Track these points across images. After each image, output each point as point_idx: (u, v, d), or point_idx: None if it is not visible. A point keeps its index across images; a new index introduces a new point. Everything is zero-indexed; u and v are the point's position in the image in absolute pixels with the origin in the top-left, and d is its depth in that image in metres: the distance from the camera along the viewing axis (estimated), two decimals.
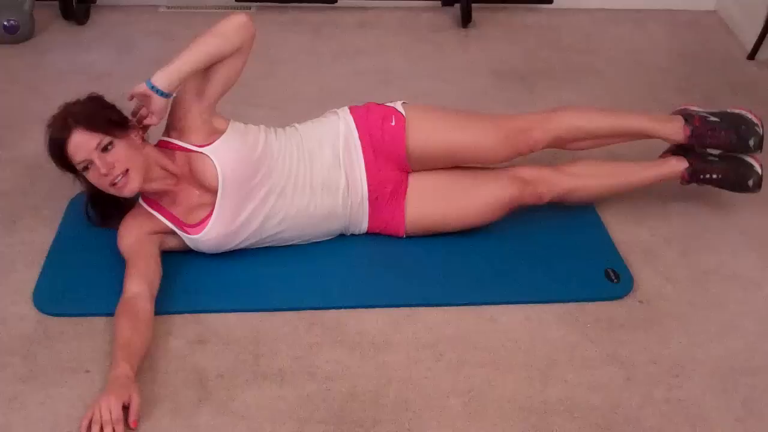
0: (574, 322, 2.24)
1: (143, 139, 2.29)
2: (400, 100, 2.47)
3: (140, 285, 2.18)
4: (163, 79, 2.21)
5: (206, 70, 2.27)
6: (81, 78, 3.35)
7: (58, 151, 2.19)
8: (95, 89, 3.19)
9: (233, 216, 2.28)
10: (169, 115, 2.32)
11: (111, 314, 2.20)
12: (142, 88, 2.22)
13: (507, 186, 2.39)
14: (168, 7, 3.90)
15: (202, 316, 2.24)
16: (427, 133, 2.38)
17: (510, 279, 2.34)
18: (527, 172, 2.45)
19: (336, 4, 3.87)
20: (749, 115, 2.47)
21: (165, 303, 2.23)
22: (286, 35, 3.66)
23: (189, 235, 2.31)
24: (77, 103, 2.26)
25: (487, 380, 2.08)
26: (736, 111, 2.48)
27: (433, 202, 2.40)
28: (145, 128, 2.31)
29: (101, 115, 2.21)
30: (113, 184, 2.19)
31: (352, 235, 2.45)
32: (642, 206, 2.66)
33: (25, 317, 2.23)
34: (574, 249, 2.45)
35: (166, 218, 2.33)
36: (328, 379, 2.08)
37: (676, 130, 2.45)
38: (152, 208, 2.35)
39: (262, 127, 2.40)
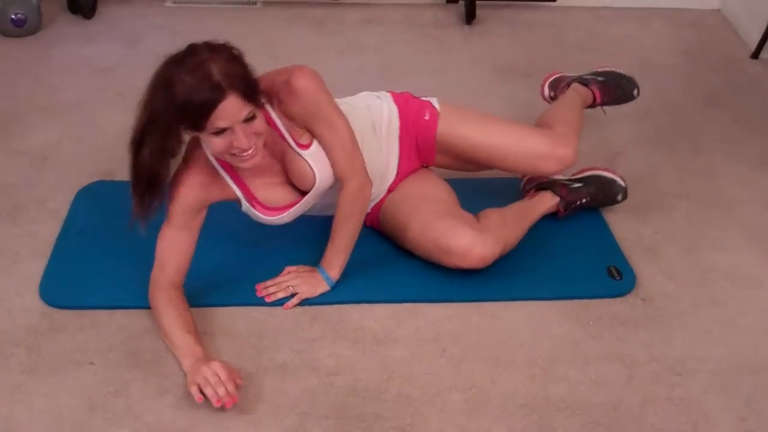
0: (576, 320, 2.24)
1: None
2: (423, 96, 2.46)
3: (179, 264, 2.16)
4: (337, 274, 2.28)
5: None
6: (87, 71, 3.37)
7: (197, 111, 1.92)
8: (101, 83, 3.28)
9: (307, 207, 2.29)
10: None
11: (116, 307, 2.22)
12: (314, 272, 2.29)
13: None
14: (175, 2, 3.91)
15: (207, 310, 2.24)
16: (457, 129, 2.37)
17: (512, 276, 2.33)
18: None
19: (340, 1, 3.87)
20: (610, 175, 2.57)
21: None
22: (291, 31, 3.67)
23: (259, 213, 2.23)
24: (221, 58, 1.95)
25: (489, 376, 2.09)
26: (598, 173, 2.58)
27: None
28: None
29: (254, 84, 2.00)
30: (240, 155, 2.02)
31: None
32: (644, 204, 2.66)
33: (31, 309, 2.25)
34: (577, 246, 2.45)
35: (240, 189, 2.21)
36: (331, 373, 2.09)
37: (551, 204, 2.52)
38: (229, 174, 2.19)
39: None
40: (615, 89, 2.69)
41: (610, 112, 2.82)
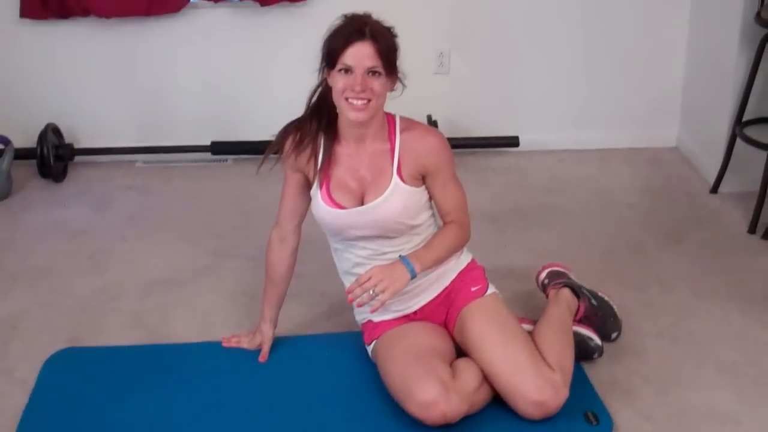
0: None
1: (392, 90, 2.34)
2: None
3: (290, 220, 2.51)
4: (421, 269, 2.36)
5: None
6: (57, 235, 3.40)
7: (338, 42, 2.24)
8: (71, 246, 3.31)
9: (359, 222, 2.39)
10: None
11: None
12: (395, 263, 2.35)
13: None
14: (145, 162, 3.98)
15: None
16: (479, 318, 2.42)
17: (487, 424, 2.32)
18: None
19: None
20: (586, 332, 2.60)
21: None
22: (262, 186, 3.72)
23: (320, 198, 2.40)
24: (380, 25, 2.28)
25: None
26: (575, 329, 2.59)
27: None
28: None
29: (393, 56, 2.28)
30: (352, 100, 2.25)
31: None
32: (617, 344, 2.68)
33: None
34: None
35: (324, 165, 2.39)
36: None
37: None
38: (325, 145, 2.39)
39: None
40: (599, 320, 2.66)
41: (575, 256, 2.86)
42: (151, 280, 3.07)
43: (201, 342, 2.72)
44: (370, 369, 2.48)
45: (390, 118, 2.40)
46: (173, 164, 3.95)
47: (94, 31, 3.79)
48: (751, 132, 3.49)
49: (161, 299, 2.96)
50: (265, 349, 2.60)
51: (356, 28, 2.23)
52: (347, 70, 2.24)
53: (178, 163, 3.95)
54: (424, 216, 2.44)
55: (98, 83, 3.90)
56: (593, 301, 2.68)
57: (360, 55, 2.22)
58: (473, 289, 2.47)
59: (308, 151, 2.41)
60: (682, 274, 3.08)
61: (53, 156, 3.75)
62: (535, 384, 2.27)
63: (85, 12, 3.70)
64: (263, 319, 2.62)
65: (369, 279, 2.30)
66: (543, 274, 2.78)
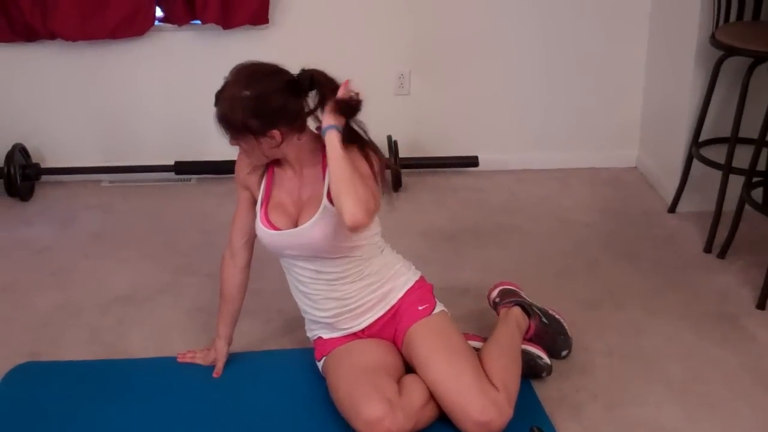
0: None
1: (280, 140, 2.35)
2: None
3: (239, 237, 2.57)
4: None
5: None
6: (22, 252, 3.43)
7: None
8: (34, 263, 3.33)
9: (290, 243, 2.44)
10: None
11: None
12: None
13: None
14: (110, 182, 4.02)
15: None
16: (426, 337, 2.45)
17: None
18: None
19: None
20: (535, 350, 2.64)
21: None
22: (222, 205, 3.76)
23: (259, 219, 2.47)
24: (232, 87, 2.34)
25: None
26: (524, 347, 2.63)
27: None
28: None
29: (236, 118, 2.31)
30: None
31: None
32: (567, 361, 2.72)
33: None
34: None
35: (266, 186, 2.48)
36: None
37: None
38: (268, 170, 2.49)
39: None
40: (549, 339, 2.70)
41: (530, 275, 2.90)
42: (111, 296, 3.11)
43: (157, 357, 2.75)
44: (322, 385, 2.51)
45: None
46: (138, 184, 3.98)
47: (60, 54, 3.83)
48: (708, 152, 3.55)
49: (120, 315, 2.99)
50: (219, 365, 2.64)
51: (215, 103, 2.35)
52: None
53: (143, 182, 3.98)
54: (363, 238, 2.45)
55: (64, 104, 3.93)
56: (544, 320, 2.72)
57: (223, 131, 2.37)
58: (420, 308, 2.50)
59: (258, 171, 2.47)
60: (636, 292, 3.13)
61: (20, 175, 3.78)
62: (479, 404, 2.30)
63: (51, 36, 3.74)
64: (218, 336, 2.65)
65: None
66: (494, 293, 2.83)
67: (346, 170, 2.23)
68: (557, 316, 2.77)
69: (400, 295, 2.52)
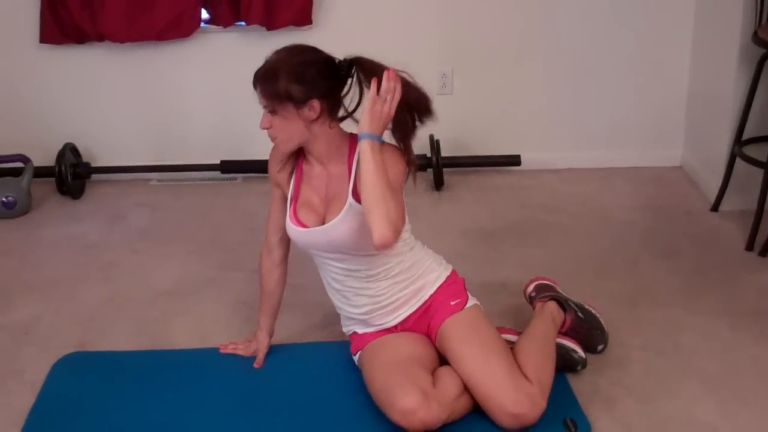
0: None
1: (314, 119, 2.37)
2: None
3: (274, 233, 2.63)
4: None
5: None
6: (72, 248, 3.53)
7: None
8: (84, 259, 3.43)
9: (317, 241, 2.48)
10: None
11: None
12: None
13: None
14: (159, 181, 4.12)
15: None
16: (457, 331, 2.49)
17: (470, 430, 2.40)
18: None
19: None
20: (570, 344, 2.67)
21: None
22: (266, 203, 3.79)
23: (288, 215, 2.52)
24: (280, 60, 2.38)
25: None
26: (559, 341, 2.65)
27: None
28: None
29: (281, 89, 2.33)
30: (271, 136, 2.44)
31: None
32: (602, 356, 2.74)
33: None
34: None
35: (295, 183, 2.52)
36: None
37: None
38: (298, 165, 2.53)
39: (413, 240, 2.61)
40: (585, 333, 2.72)
41: (570, 272, 2.92)
42: (157, 290, 3.19)
43: (200, 348, 2.83)
44: (358, 376, 2.56)
45: (352, 139, 2.45)
46: (185, 182, 4.08)
47: (109, 56, 3.95)
48: (751, 150, 3.54)
49: (165, 309, 3.08)
50: (260, 356, 2.70)
51: (256, 71, 2.39)
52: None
53: (190, 181, 4.08)
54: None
55: (113, 105, 4.05)
56: (580, 314, 2.74)
57: (259, 96, 2.39)
58: (452, 303, 2.54)
59: (288, 168, 2.53)
60: (675, 290, 3.13)
61: (71, 174, 3.90)
62: (512, 397, 2.34)
63: (100, 38, 3.85)
64: (259, 328, 2.72)
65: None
66: (530, 288, 2.86)
67: (378, 185, 2.24)
68: (593, 311, 2.78)
69: (432, 291, 2.55)
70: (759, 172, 3.44)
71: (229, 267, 3.33)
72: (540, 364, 2.48)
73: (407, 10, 3.94)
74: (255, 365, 2.69)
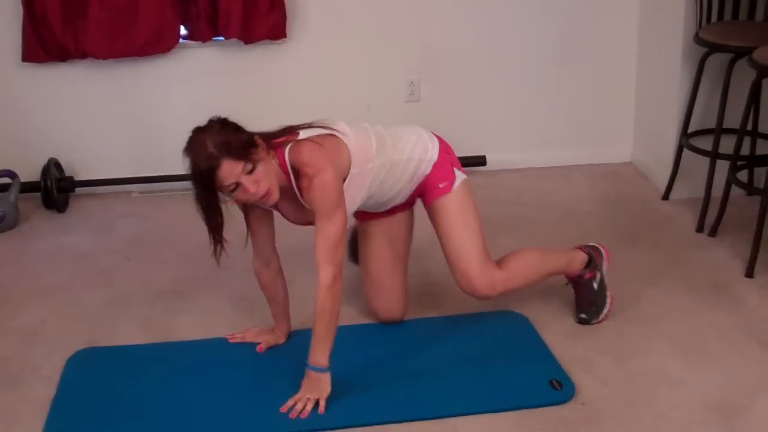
0: (527, 426, 2.52)
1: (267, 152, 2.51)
2: None
3: (267, 248, 2.81)
4: (325, 360, 2.55)
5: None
6: (67, 257, 3.65)
7: (207, 179, 2.42)
8: (81, 265, 3.57)
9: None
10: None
11: None
12: (308, 373, 2.57)
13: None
14: (140, 193, 4.26)
15: None
16: (445, 211, 2.81)
17: (469, 394, 2.65)
18: None
19: None
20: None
21: None
22: None
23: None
24: (212, 131, 2.44)
25: None
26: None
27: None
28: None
29: (244, 143, 2.43)
30: (260, 200, 2.49)
31: None
32: (576, 327, 3.00)
33: None
34: (522, 365, 2.79)
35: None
36: None
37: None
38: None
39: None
40: (584, 299, 3.01)
41: None
42: (157, 290, 3.35)
43: (207, 339, 3.00)
44: (362, 362, 2.78)
45: (282, 164, 2.55)
46: (167, 193, 4.21)
47: (91, 72, 4.08)
48: (696, 142, 3.84)
49: (167, 306, 3.24)
50: (264, 346, 2.90)
51: (205, 158, 2.43)
52: (234, 188, 2.47)
53: (171, 192, 4.21)
54: (394, 155, 2.75)
55: (96, 120, 4.18)
56: (594, 285, 2.99)
57: (231, 174, 2.43)
58: (441, 185, 2.80)
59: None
60: (637, 268, 3.40)
61: (56, 188, 4.01)
62: (477, 270, 2.78)
63: (82, 55, 3.99)
64: (278, 328, 2.93)
65: (296, 403, 2.54)
66: (590, 243, 3.08)
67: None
68: (608, 300, 3.01)
69: (422, 179, 2.81)
70: (705, 163, 3.74)
71: (222, 267, 3.48)
72: (524, 267, 2.90)
73: (376, 23, 4.14)
74: (258, 349, 2.88)
